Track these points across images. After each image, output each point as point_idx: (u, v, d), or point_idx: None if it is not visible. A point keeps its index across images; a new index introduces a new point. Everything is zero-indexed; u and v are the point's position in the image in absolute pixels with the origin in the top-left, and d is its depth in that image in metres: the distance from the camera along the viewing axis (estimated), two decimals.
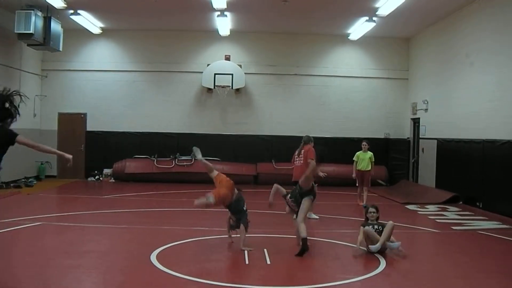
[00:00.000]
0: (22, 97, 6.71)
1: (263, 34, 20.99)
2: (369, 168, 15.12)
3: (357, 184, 15.35)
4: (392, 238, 8.92)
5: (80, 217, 12.36)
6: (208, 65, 20.46)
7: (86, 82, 20.93)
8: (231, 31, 20.01)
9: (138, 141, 20.76)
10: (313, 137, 11.97)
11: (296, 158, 11.72)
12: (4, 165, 6.54)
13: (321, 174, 11.67)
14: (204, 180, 19.00)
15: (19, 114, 6.68)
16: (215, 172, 9.21)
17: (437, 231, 11.58)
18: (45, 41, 16.85)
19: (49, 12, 16.78)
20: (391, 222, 8.95)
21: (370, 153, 15.17)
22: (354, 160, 15.25)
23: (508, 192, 13.27)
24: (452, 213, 13.98)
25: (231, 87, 20.18)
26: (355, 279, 7.36)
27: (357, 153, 15.29)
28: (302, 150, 11.53)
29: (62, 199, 16.42)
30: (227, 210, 9.02)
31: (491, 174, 14.30)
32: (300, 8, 17.00)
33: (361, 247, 8.84)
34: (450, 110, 17.10)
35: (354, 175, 15.22)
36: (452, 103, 17.00)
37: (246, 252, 8.44)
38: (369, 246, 8.70)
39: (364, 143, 15.35)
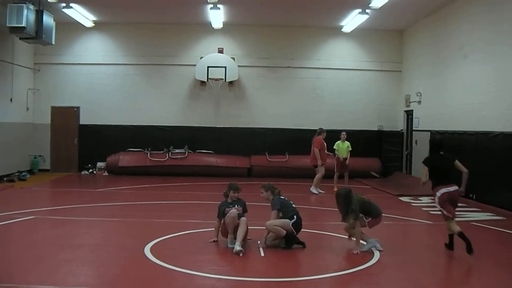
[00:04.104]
0: None
1: (256, 27, 20.93)
2: (347, 156, 16.66)
3: (335, 171, 16.65)
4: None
5: (73, 210, 12.33)
6: (201, 58, 20.39)
7: (79, 76, 20.82)
8: (224, 23, 19.94)
9: (132, 134, 20.71)
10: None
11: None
12: None
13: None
14: (197, 173, 19.33)
15: None
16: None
17: (431, 222, 11.62)
18: (37, 34, 16.70)
19: (41, 6, 16.65)
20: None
21: (347, 143, 16.75)
22: (334, 149, 16.71)
23: (501, 184, 13.32)
24: None
25: (224, 80, 20.13)
26: (350, 271, 7.39)
27: (337, 142, 16.76)
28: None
29: (55, 192, 16.38)
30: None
31: (484, 165, 14.31)
32: (293, 0, 16.96)
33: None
34: (444, 102, 17.12)
35: (341, 159, 16.73)
36: (446, 95, 17.03)
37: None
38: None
39: (343, 133, 16.94)
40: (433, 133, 12.44)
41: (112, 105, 20.77)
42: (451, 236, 8.62)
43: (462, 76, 15.93)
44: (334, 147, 16.68)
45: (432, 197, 9.01)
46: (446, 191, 8.57)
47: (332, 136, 16.61)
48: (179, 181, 18.08)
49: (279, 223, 8.54)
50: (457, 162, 8.89)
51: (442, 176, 8.71)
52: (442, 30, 17.40)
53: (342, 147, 16.65)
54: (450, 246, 8.66)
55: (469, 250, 7.97)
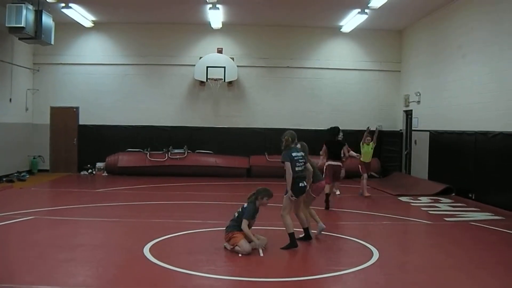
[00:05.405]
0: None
1: (256, 27, 20.94)
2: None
3: (361, 172, 15.76)
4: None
5: (73, 211, 12.34)
6: (200, 58, 20.39)
7: (78, 76, 20.82)
8: (223, 23, 19.94)
9: (131, 134, 20.70)
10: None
11: None
12: None
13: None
14: (196, 173, 19.33)
15: None
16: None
17: (430, 222, 11.62)
18: (36, 34, 16.64)
19: (40, 6, 16.59)
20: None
21: (371, 144, 15.79)
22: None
23: (500, 184, 13.34)
24: (444, 205, 14.03)
25: (223, 80, 20.12)
26: (349, 270, 7.38)
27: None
28: None
29: (54, 193, 16.36)
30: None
31: (483, 165, 14.35)
32: (292, 0, 16.96)
33: None
34: (443, 102, 17.13)
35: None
36: (445, 94, 17.03)
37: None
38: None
39: (368, 137, 15.76)
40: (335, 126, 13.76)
41: (111, 105, 20.77)
42: (327, 196, 12.54)
43: (461, 76, 15.93)
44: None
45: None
46: (332, 163, 13.15)
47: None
48: (179, 181, 18.07)
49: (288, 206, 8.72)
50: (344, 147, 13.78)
51: (333, 154, 13.25)
52: (441, 30, 17.41)
53: (367, 151, 15.70)
54: (326, 206, 12.53)
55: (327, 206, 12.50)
